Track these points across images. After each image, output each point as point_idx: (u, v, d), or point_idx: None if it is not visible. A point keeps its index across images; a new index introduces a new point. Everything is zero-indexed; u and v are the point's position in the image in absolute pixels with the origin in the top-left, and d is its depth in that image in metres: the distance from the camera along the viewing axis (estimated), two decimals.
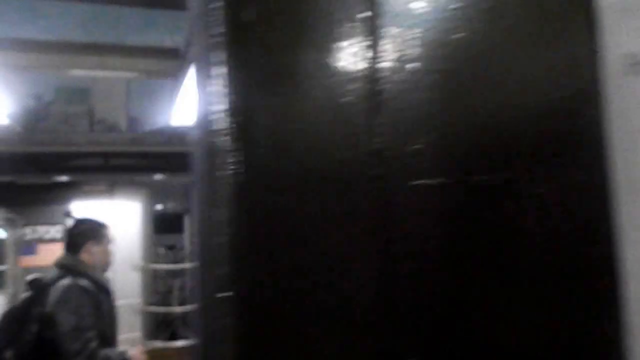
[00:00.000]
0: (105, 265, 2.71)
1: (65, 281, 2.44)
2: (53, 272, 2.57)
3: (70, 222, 2.89)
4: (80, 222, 2.81)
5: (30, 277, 2.39)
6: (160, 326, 7.77)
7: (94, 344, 2.31)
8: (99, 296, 2.49)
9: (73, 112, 6.99)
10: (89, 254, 2.63)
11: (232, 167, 0.87)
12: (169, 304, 7.84)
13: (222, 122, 0.89)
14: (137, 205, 8.19)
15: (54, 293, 2.41)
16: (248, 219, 0.87)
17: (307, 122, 0.90)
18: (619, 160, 0.94)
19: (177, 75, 4.95)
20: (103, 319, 2.48)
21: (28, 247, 7.46)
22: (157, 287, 8.11)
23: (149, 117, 6.91)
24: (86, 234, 2.68)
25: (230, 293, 0.84)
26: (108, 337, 2.50)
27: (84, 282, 2.46)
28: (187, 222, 8.09)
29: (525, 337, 0.87)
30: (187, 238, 7.93)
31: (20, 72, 5.64)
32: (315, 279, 0.86)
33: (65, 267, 2.56)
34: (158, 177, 7.51)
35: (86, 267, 2.57)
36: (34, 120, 6.83)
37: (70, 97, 7.09)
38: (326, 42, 0.89)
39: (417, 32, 0.87)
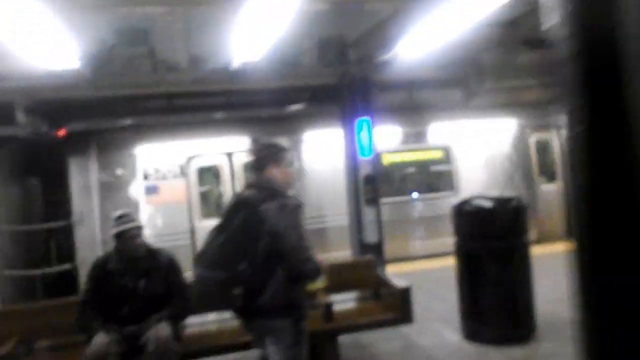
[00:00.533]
0: (287, 185, 2.97)
1: (277, 201, 2.73)
2: (251, 192, 2.83)
3: (254, 147, 3.21)
4: (261, 146, 3.07)
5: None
6: (29, 288, 7.33)
7: (311, 252, 2.73)
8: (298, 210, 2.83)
9: (135, 54, 7.00)
10: (270, 175, 2.89)
11: None
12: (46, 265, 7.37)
13: None
14: None
15: (271, 212, 2.70)
16: None
17: None
18: None
19: (236, 6, 4.81)
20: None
21: None
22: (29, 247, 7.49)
23: (211, 55, 6.83)
24: (267, 157, 2.93)
25: None
26: None
27: (288, 200, 2.78)
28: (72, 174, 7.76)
29: None
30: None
31: (83, 13, 5.64)
32: None
33: (262, 188, 2.82)
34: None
35: (279, 187, 2.84)
36: (99, 64, 6.91)
37: (131, 39, 7.08)
38: None
39: None
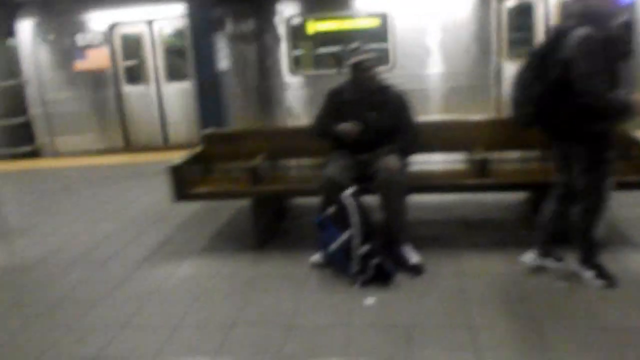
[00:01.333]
0: (608, 12, 2.77)
1: (581, 30, 2.69)
2: (567, 21, 2.85)
3: None
4: None
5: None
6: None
7: (603, 86, 2.66)
8: (607, 44, 2.71)
9: None
10: (588, 2, 2.77)
11: None
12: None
13: None
14: None
15: (571, 39, 2.70)
16: None
17: None
18: None
19: None
20: (611, 65, 2.74)
21: None
22: None
23: None
24: None
25: None
26: (614, 81, 2.75)
27: (595, 31, 2.68)
28: None
29: None
30: None
31: None
32: None
33: (576, 16, 2.77)
34: None
35: (595, 14, 2.73)
36: None
37: None
38: None
39: None
